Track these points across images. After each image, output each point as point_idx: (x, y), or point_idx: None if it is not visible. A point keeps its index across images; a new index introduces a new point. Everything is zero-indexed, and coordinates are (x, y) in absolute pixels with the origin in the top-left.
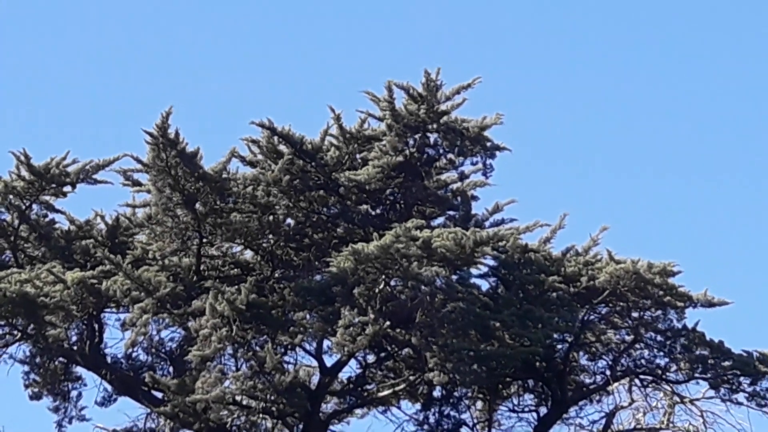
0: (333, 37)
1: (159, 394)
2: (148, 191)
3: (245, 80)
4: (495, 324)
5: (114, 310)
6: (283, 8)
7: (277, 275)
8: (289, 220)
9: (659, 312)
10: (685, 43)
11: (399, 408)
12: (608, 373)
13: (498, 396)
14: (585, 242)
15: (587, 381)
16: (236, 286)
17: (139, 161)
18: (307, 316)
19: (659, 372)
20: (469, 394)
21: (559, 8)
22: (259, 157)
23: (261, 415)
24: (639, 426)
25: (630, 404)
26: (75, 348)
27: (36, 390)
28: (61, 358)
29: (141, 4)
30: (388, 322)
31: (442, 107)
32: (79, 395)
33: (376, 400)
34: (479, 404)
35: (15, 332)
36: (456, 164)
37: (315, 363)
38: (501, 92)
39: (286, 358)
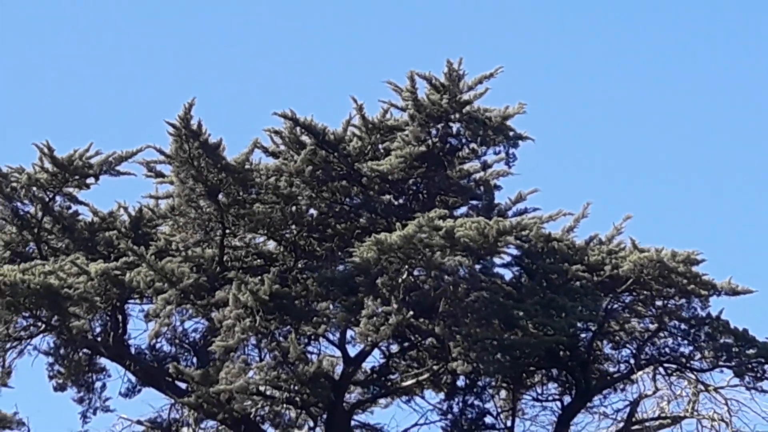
0: (356, 27)
1: (183, 385)
2: (171, 182)
3: (268, 71)
4: (518, 313)
5: (137, 301)
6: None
7: (300, 266)
8: (312, 211)
9: (683, 300)
10: (713, 36)
11: (423, 397)
12: (632, 361)
13: (522, 385)
14: (608, 231)
15: (611, 370)
16: (259, 277)
17: (162, 152)
18: (331, 307)
19: (683, 360)
20: (493, 384)
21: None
22: (282, 147)
23: (285, 405)
24: (663, 414)
25: (654, 393)
26: (99, 339)
27: (60, 381)
28: (85, 350)
29: None
30: (411, 312)
31: (465, 97)
32: (104, 386)
33: (399, 390)
34: (503, 393)
35: (39, 324)
36: (479, 154)
37: (338, 353)
38: (524, 81)
39: (309, 348)
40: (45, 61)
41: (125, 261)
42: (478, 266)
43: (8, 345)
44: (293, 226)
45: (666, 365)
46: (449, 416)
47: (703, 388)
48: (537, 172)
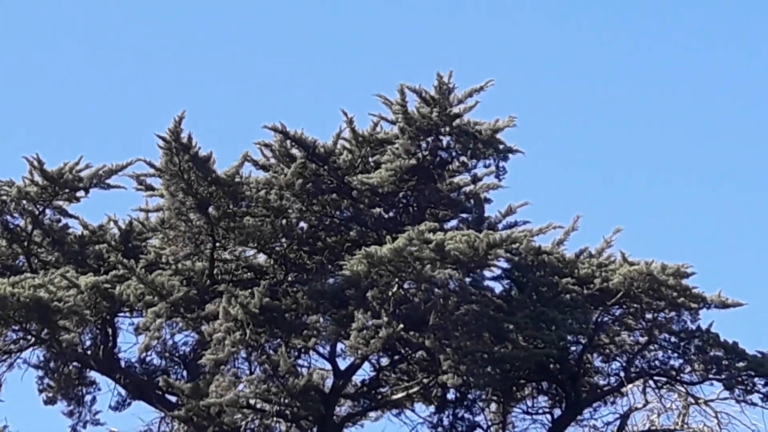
0: (345, 40)
1: (173, 398)
2: (161, 196)
3: (257, 84)
4: (509, 326)
5: (127, 314)
6: (295, 12)
7: (290, 279)
8: (302, 224)
9: (673, 313)
10: (702, 43)
11: (413, 411)
12: (622, 374)
13: (512, 398)
14: (598, 244)
15: (601, 383)
16: (249, 290)
17: (152, 166)
18: (321, 320)
19: (673, 373)
20: (483, 397)
21: (571, 10)
22: (272, 161)
23: (275, 419)
24: (653, 427)
25: (644, 406)
26: (89, 352)
27: (50, 395)
28: (75, 363)
29: (153, 8)
30: (401, 325)
31: (455, 110)
32: (93, 400)
33: (389, 403)
34: (493, 406)
35: (29, 337)
36: (469, 167)
37: (329, 366)
38: (513, 95)
39: (299, 361)
40: (35, 74)
41: (115, 274)
42: (468, 279)
43: None
44: (283, 239)
45: (656, 378)
46: (439, 429)
47: (693, 401)
48: (527, 185)
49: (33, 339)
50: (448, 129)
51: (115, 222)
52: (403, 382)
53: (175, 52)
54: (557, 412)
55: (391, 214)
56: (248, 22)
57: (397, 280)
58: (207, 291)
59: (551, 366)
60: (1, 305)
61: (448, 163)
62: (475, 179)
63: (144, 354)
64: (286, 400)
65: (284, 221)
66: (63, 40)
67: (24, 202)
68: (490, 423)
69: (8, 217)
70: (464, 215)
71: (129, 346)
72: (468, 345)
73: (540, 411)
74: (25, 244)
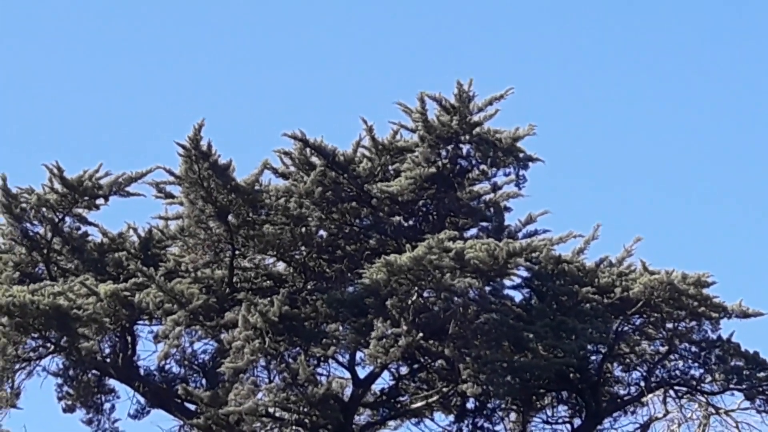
0: (365, 48)
1: (192, 407)
2: (181, 203)
3: (277, 92)
4: (528, 335)
5: (147, 322)
6: (316, 20)
7: (309, 287)
8: (322, 232)
9: (694, 323)
10: (721, 54)
11: (432, 420)
12: (642, 384)
13: (532, 407)
14: (619, 253)
15: (621, 392)
16: (269, 298)
17: (171, 173)
18: (340, 328)
19: (694, 383)
20: (503, 406)
21: (594, 19)
22: (292, 168)
23: (294, 427)
24: None
25: (665, 415)
26: (108, 360)
27: (69, 402)
28: (94, 371)
29: (175, 16)
30: (421, 334)
31: (475, 118)
32: (113, 407)
33: (409, 412)
34: (513, 416)
35: (48, 345)
36: (489, 175)
37: (348, 375)
38: (534, 103)
39: (319, 369)
40: (56, 82)
41: (135, 282)
42: (488, 288)
43: (17, 366)
44: (303, 248)
45: (676, 388)
46: None
47: (713, 411)
48: (547, 193)
49: (52, 347)
50: (468, 137)
51: (135, 230)
52: (422, 391)
53: (196, 60)
54: (577, 421)
55: (410, 222)
56: (269, 30)
57: (416, 288)
58: (226, 299)
59: (571, 375)
60: (21, 313)
61: (468, 171)
62: (495, 188)
63: (163, 362)
64: (305, 409)
65: (304, 229)
66: (84, 48)
67: (44, 209)
68: None
69: (28, 225)
70: (484, 224)
71: (148, 354)
72: (487, 354)
73: (560, 420)
74: (45, 251)
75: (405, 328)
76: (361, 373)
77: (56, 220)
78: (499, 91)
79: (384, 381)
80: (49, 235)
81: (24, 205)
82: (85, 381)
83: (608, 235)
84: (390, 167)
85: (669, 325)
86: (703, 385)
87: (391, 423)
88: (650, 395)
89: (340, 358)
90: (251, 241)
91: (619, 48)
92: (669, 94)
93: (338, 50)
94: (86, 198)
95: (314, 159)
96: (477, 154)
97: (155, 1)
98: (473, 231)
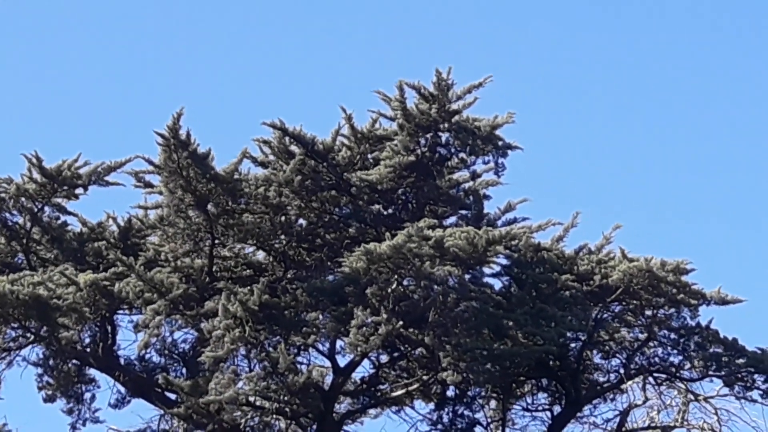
0: (343, 36)
1: (172, 396)
2: (160, 193)
3: (256, 81)
4: (508, 323)
5: (127, 311)
6: (293, 8)
7: (289, 276)
8: (301, 221)
9: (672, 310)
10: (697, 39)
11: (413, 408)
12: (622, 371)
13: (512, 395)
14: (598, 240)
15: (601, 379)
16: (249, 287)
17: (150, 163)
18: (320, 317)
19: (673, 370)
20: (483, 394)
21: (569, 6)
22: (271, 157)
23: (274, 416)
24: (653, 424)
25: (644, 402)
26: (88, 350)
27: (49, 392)
28: (74, 361)
29: (152, 4)
30: (401, 322)
31: (454, 106)
32: (93, 397)
33: (389, 400)
34: (493, 403)
35: (28, 335)
36: (468, 163)
37: (328, 363)
38: (512, 91)
39: (299, 358)
40: (33, 71)
41: (114, 271)
42: (467, 276)
43: None
44: (282, 236)
45: (656, 375)
46: (439, 426)
47: (692, 397)
48: (526, 181)
49: (32, 336)
50: (446, 125)
51: (114, 219)
52: (402, 379)
53: (174, 48)
54: (557, 408)
55: (390, 210)
56: (247, 18)
57: (396, 277)
58: (206, 288)
59: (551, 363)
60: (0, 303)
61: (447, 159)
62: (474, 176)
63: (143, 351)
64: (286, 398)
65: (283, 218)
66: (61, 36)
67: (23, 199)
68: (489, 420)
69: (7, 215)
70: (463, 212)
71: (128, 343)
72: (467, 342)
73: (540, 408)
74: (24, 241)
75: (385, 316)
76: (342, 361)
77: (35, 209)
78: (477, 80)
79: (364, 369)
80: (29, 224)
81: (3, 194)
82: (65, 371)
83: (587, 223)
84: (369, 156)
85: (648, 312)
86: (682, 371)
87: (372, 411)
88: (630, 382)
89: (321, 347)
90: (231, 230)
91: (598, 35)
92: (647, 79)
93: (317, 39)
94: (65, 188)
95: (293, 148)
96: (456, 142)
97: None
98: (452, 219)
